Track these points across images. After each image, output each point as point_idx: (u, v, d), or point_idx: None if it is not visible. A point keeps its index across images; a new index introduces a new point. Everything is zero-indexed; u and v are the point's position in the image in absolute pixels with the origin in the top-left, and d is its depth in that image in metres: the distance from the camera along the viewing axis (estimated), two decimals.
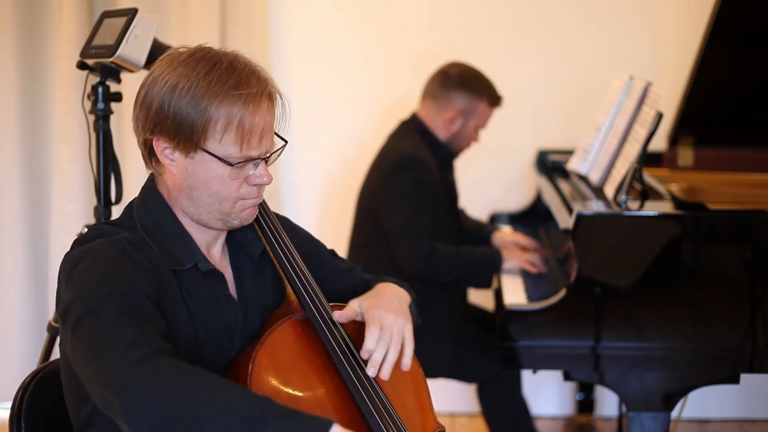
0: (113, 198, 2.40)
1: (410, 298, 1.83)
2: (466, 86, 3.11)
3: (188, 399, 1.35)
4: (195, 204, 1.61)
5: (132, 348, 1.39)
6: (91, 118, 2.39)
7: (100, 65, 2.31)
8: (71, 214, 3.68)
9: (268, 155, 1.61)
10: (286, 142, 1.66)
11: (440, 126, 3.13)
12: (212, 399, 1.35)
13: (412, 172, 2.99)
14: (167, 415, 1.34)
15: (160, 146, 1.58)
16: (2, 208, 3.75)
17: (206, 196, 1.60)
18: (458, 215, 3.34)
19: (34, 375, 1.71)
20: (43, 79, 3.75)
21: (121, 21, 2.28)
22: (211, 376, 1.40)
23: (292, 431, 1.35)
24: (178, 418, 1.34)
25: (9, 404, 1.67)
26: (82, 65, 2.34)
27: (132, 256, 1.53)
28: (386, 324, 1.67)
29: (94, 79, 2.37)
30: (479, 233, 3.33)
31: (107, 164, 2.39)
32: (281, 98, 1.63)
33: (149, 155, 1.62)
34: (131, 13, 2.28)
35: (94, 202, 2.43)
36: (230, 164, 1.56)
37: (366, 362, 1.65)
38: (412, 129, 3.15)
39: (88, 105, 2.39)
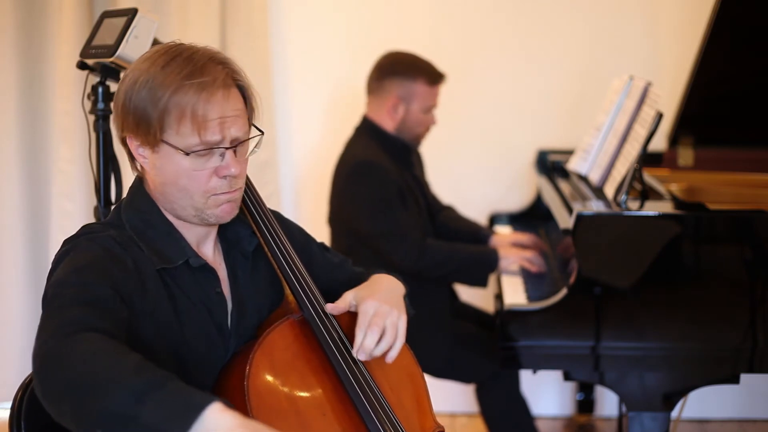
0: (113, 198, 2.40)
1: (404, 290, 1.81)
2: (398, 71, 3.11)
3: (90, 370, 1.31)
4: (168, 199, 1.60)
5: (68, 325, 1.37)
6: (91, 118, 2.39)
7: (100, 65, 2.31)
8: (71, 214, 3.68)
9: (235, 145, 1.58)
10: (262, 132, 1.64)
11: (386, 118, 3.13)
12: (110, 370, 1.30)
13: (368, 176, 3.00)
14: (71, 383, 1.31)
15: (133, 144, 1.59)
16: (2, 208, 3.75)
17: (177, 191, 1.58)
18: (434, 212, 3.32)
19: None
20: (43, 79, 3.75)
21: (121, 21, 2.27)
22: (122, 349, 1.35)
23: (170, 403, 1.28)
24: (80, 388, 1.30)
25: (9, 404, 1.67)
26: (82, 65, 2.34)
27: (114, 253, 1.53)
28: (380, 312, 1.66)
29: (94, 79, 2.37)
30: (475, 235, 3.29)
31: (107, 164, 2.39)
32: (246, 87, 1.60)
33: (130, 155, 1.62)
34: (131, 13, 2.27)
35: (94, 202, 2.43)
36: (187, 153, 1.54)
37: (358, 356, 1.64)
38: (363, 132, 3.15)
39: (88, 105, 2.39)
